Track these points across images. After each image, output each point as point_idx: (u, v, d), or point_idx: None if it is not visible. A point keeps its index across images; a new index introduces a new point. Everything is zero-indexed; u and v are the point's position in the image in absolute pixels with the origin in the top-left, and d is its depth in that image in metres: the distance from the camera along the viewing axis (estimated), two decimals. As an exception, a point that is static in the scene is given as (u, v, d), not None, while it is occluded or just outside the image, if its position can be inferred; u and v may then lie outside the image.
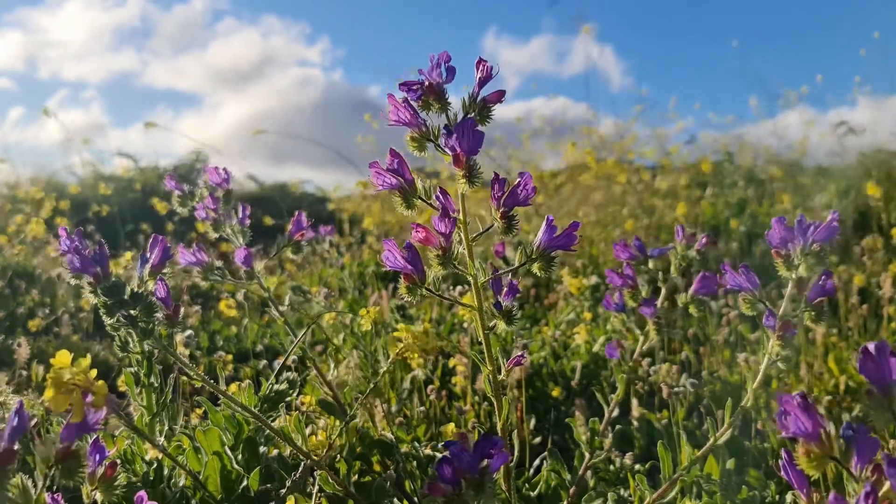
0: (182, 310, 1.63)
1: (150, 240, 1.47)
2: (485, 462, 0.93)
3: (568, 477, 1.76)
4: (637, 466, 1.93)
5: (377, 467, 1.96)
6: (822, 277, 1.35)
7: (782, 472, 0.98)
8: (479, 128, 1.18)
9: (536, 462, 2.01)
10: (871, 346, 0.87)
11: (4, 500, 0.91)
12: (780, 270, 1.36)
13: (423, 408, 2.46)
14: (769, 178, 7.43)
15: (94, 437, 1.13)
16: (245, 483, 1.68)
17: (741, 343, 3.08)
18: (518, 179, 1.22)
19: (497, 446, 0.93)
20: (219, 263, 1.88)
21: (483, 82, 1.19)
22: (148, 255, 1.45)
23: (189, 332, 2.50)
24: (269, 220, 6.82)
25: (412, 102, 1.19)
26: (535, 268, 1.27)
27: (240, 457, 1.71)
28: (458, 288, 3.15)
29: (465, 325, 3.10)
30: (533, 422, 2.38)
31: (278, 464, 1.76)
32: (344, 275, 4.11)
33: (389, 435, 2.01)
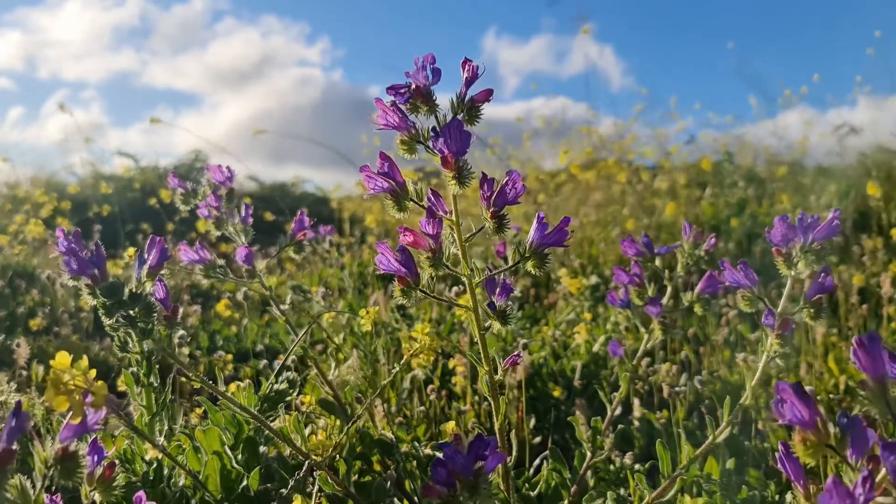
0: (181, 310, 1.63)
1: (148, 240, 1.47)
2: (479, 463, 0.93)
3: (568, 476, 1.76)
4: (637, 466, 1.93)
5: (377, 467, 1.96)
6: (821, 274, 1.35)
7: (779, 465, 0.99)
8: (469, 128, 1.18)
9: (536, 462, 2.01)
10: (864, 338, 0.87)
11: (3, 500, 0.91)
12: (780, 268, 1.36)
13: (422, 408, 2.46)
14: (769, 178, 7.43)
15: (93, 437, 1.13)
16: (245, 483, 1.68)
17: (741, 343, 3.08)
18: (506, 178, 1.22)
19: (491, 447, 0.93)
20: (220, 262, 1.88)
21: (470, 82, 1.19)
22: (146, 255, 1.45)
23: (181, 332, 2.50)
24: (269, 220, 6.82)
25: (400, 105, 1.19)
26: (529, 266, 1.27)
27: (240, 456, 1.71)
28: (455, 288, 3.15)
29: (465, 325, 3.10)
30: (533, 421, 2.38)
31: (278, 464, 1.76)
32: (344, 275, 4.11)
33: (389, 435, 2.01)
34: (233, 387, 2.07)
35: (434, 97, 1.18)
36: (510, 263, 1.28)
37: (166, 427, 1.57)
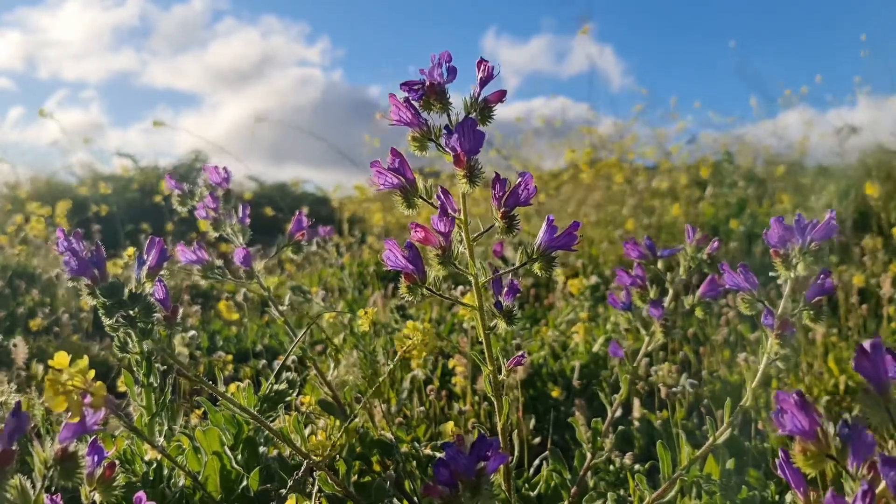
0: (181, 310, 1.63)
1: (148, 241, 1.47)
2: (481, 464, 0.93)
3: (569, 477, 1.76)
4: (637, 466, 1.92)
5: (377, 467, 1.96)
6: (821, 276, 1.35)
7: (780, 471, 0.98)
8: (480, 128, 1.18)
9: (536, 462, 2.01)
10: (867, 344, 0.87)
11: (3, 500, 0.91)
12: (779, 269, 1.36)
13: (422, 408, 2.46)
14: (769, 178, 7.43)
15: (93, 437, 1.13)
16: (245, 483, 1.68)
17: (741, 343, 3.08)
18: (519, 179, 1.22)
19: (493, 447, 0.93)
20: (219, 262, 1.88)
21: (484, 82, 1.19)
22: (145, 256, 1.45)
23: (192, 332, 2.50)
24: (269, 220, 6.82)
25: (413, 102, 1.19)
26: (536, 268, 1.27)
27: (239, 457, 1.71)
28: (459, 288, 3.15)
29: (465, 325, 3.10)
30: (533, 422, 2.38)
31: (278, 464, 1.76)
32: (344, 275, 4.11)
33: (389, 435, 2.00)
34: (232, 387, 2.07)
35: (448, 95, 1.19)
36: (518, 264, 1.28)
37: (166, 427, 1.57)
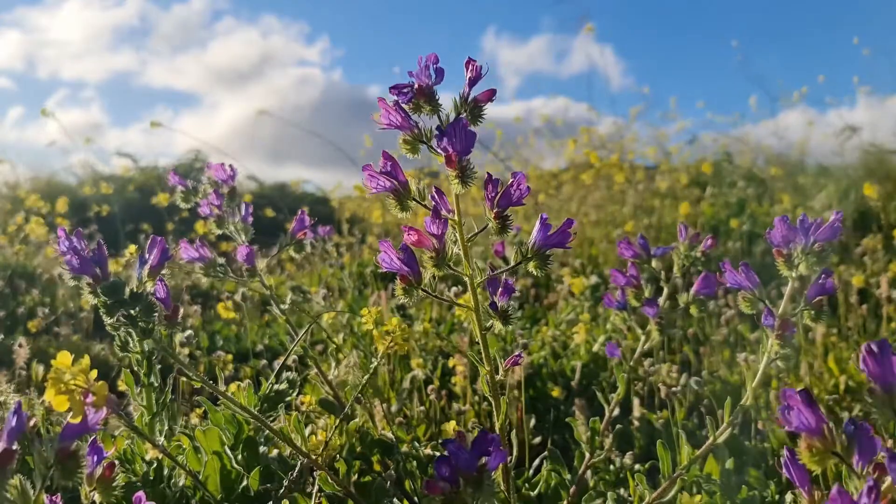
0: (182, 310, 1.63)
1: (149, 240, 1.47)
2: (482, 460, 0.93)
3: (568, 476, 1.76)
4: (637, 466, 1.93)
5: (377, 467, 1.96)
6: (822, 276, 1.35)
7: (784, 470, 0.98)
8: (471, 127, 1.18)
9: (536, 462, 2.01)
10: (874, 345, 0.87)
11: (3, 500, 0.91)
12: (781, 269, 1.36)
13: (422, 408, 2.46)
14: (769, 178, 7.43)
15: (93, 437, 1.13)
16: (245, 483, 1.68)
17: (741, 343, 3.08)
18: (511, 179, 1.22)
19: (494, 444, 0.93)
20: (221, 260, 1.88)
21: (473, 82, 1.19)
22: (147, 255, 1.45)
23: (188, 332, 2.50)
24: (269, 220, 6.82)
25: (403, 105, 1.19)
26: (531, 266, 1.27)
27: (239, 457, 1.71)
28: (454, 288, 3.15)
29: (465, 324, 3.10)
30: (533, 422, 2.38)
31: (278, 464, 1.76)
32: (344, 275, 4.11)
33: (389, 435, 2.01)
34: (233, 387, 2.07)
35: (437, 97, 1.19)
36: (512, 264, 1.28)
37: (166, 427, 1.57)
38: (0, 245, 5.48)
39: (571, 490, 1.74)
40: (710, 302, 3.42)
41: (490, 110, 1.22)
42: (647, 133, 10.66)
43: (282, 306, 2.00)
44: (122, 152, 9.59)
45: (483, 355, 1.35)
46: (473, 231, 1.28)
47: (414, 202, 1.24)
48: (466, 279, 1.30)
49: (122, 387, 2.30)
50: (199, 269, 1.86)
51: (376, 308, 1.96)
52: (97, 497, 1.14)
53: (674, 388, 2.36)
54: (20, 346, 2.51)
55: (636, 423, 2.38)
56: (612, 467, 1.95)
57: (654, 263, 1.87)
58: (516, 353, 1.37)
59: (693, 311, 1.80)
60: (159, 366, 1.57)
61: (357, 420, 1.99)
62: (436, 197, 1.25)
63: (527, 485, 1.86)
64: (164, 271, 1.49)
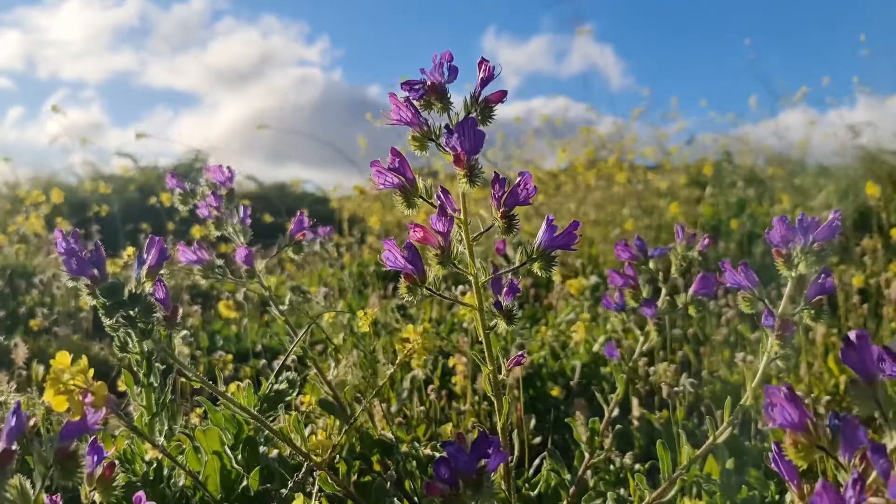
0: (181, 310, 1.62)
1: (147, 240, 1.47)
2: (482, 461, 0.93)
3: (568, 477, 1.76)
4: (637, 466, 1.93)
5: (377, 467, 1.96)
6: (822, 275, 1.35)
7: (773, 465, 0.99)
8: (481, 128, 1.18)
9: (536, 462, 2.01)
10: (853, 335, 0.87)
11: (3, 500, 0.91)
12: (781, 269, 1.36)
13: (422, 408, 2.46)
14: (769, 178, 7.43)
15: (93, 437, 1.13)
16: (245, 483, 1.68)
17: (741, 343, 3.08)
18: (518, 179, 1.22)
19: (494, 445, 0.93)
20: (219, 262, 1.88)
21: (485, 82, 1.19)
22: (145, 256, 1.45)
23: (185, 332, 2.50)
24: (268, 220, 6.81)
25: (414, 102, 1.19)
26: (536, 267, 1.27)
27: (239, 457, 1.71)
28: (459, 287, 3.14)
29: (465, 324, 3.10)
30: (533, 422, 2.38)
31: (278, 464, 1.76)
32: (344, 275, 4.11)
33: (389, 435, 2.01)
34: (233, 387, 2.07)
35: (449, 95, 1.19)
36: (517, 264, 1.28)
37: (166, 427, 1.57)
38: (0, 245, 5.48)
39: (571, 490, 1.74)
40: (710, 302, 3.42)
41: (497, 111, 1.22)
42: (646, 133, 10.67)
43: (281, 307, 2.00)
44: (122, 152, 9.60)
45: (486, 355, 1.35)
46: (478, 230, 1.28)
47: (420, 200, 1.24)
48: (471, 278, 1.30)
49: (121, 387, 2.30)
50: (197, 271, 1.86)
51: (372, 310, 1.96)
52: (97, 497, 1.14)
53: (674, 388, 2.36)
54: (15, 345, 2.51)
55: (636, 422, 2.38)
56: (611, 467, 1.94)
57: (651, 264, 1.87)
58: (519, 353, 1.37)
59: (692, 311, 1.81)
60: (159, 366, 1.57)
61: (357, 420, 1.99)
62: (441, 195, 1.25)
63: (527, 485, 1.86)
64: (163, 271, 1.49)
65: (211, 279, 1.86)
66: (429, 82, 1.18)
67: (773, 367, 1.46)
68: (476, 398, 2.53)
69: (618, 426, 2.21)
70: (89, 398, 0.97)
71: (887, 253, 4.52)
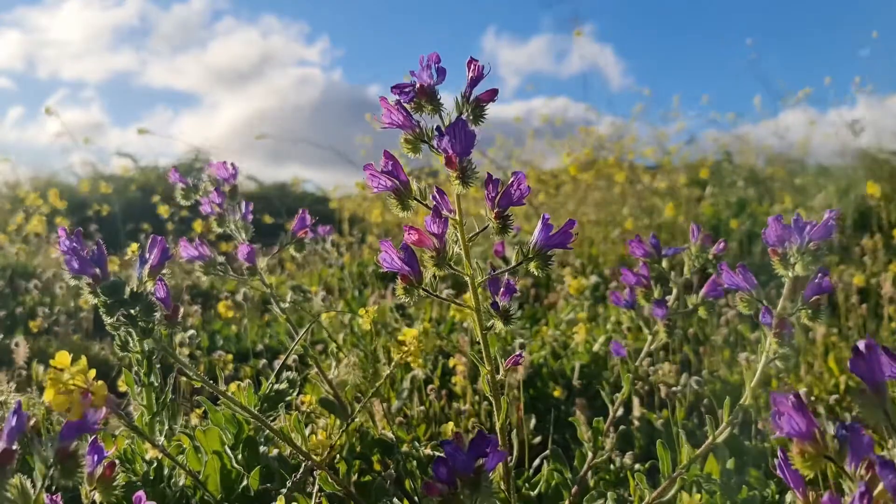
0: (182, 310, 1.62)
1: (150, 240, 1.47)
2: (480, 461, 0.93)
3: (569, 476, 1.76)
4: (637, 466, 1.93)
5: (377, 467, 1.96)
6: (819, 275, 1.35)
7: (779, 472, 0.98)
8: (473, 127, 1.18)
9: (536, 462, 2.01)
10: (861, 344, 0.86)
11: (4, 500, 0.91)
12: (777, 269, 1.36)
13: (422, 407, 2.46)
14: (769, 178, 7.43)
15: (93, 437, 1.13)
16: (245, 482, 1.68)
17: (741, 343, 3.08)
18: (511, 179, 1.22)
19: (492, 445, 0.93)
20: (221, 259, 1.88)
21: (475, 82, 1.19)
22: (147, 255, 1.45)
23: (191, 332, 2.50)
24: (268, 220, 6.82)
25: (405, 104, 1.19)
26: (532, 266, 1.27)
27: (240, 456, 1.71)
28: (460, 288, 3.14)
29: (465, 324, 3.10)
30: (533, 422, 2.38)
31: (278, 463, 1.76)
32: (344, 274, 4.11)
33: (389, 434, 2.01)
34: (233, 386, 2.07)
35: (438, 96, 1.19)
36: (514, 264, 1.28)
37: (166, 427, 1.57)
38: (0, 245, 5.48)
39: (573, 490, 1.74)
40: (714, 304, 3.42)
41: (490, 110, 1.22)
42: (646, 133, 10.66)
43: (282, 305, 2.00)
44: (123, 152, 9.61)
45: (484, 355, 1.35)
46: (474, 231, 1.28)
47: (415, 201, 1.24)
48: (467, 279, 1.30)
49: (122, 386, 2.30)
50: (198, 267, 1.86)
51: (373, 308, 1.96)
52: (97, 497, 1.14)
53: (674, 388, 2.36)
54: (16, 345, 2.51)
55: (636, 422, 2.38)
56: (612, 467, 1.95)
57: (664, 263, 1.87)
58: (517, 353, 1.37)
59: (702, 312, 1.80)
60: (159, 365, 1.57)
61: (357, 420, 1.99)
62: (437, 196, 1.25)
63: (527, 485, 1.86)
64: (164, 271, 1.49)
65: (212, 275, 1.86)
66: (418, 85, 1.18)
67: (773, 367, 1.46)
68: (476, 398, 2.53)
69: (620, 426, 2.22)
70: (89, 398, 0.97)
71: (887, 253, 4.52)
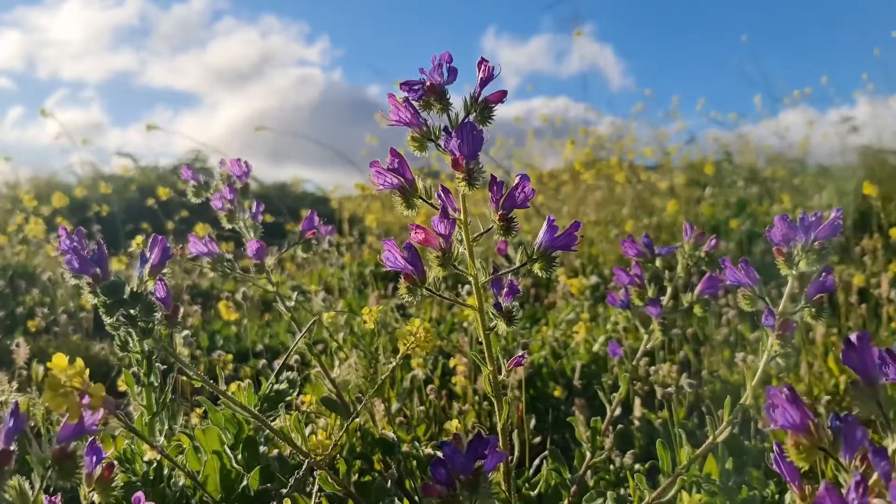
0: (182, 310, 1.62)
1: (150, 239, 1.47)
2: (479, 462, 0.93)
3: (569, 476, 1.76)
4: (637, 466, 1.92)
5: (378, 466, 1.96)
6: (822, 274, 1.34)
7: (774, 466, 0.99)
8: (481, 128, 1.18)
9: (536, 462, 2.01)
10: (854, 337, 0.87)
11: (2, 501, 0.91)
12: (781, 268, 1.36)
13: (423, 407, 2.45)
14: (769, 178, 7.43)
15: (92, 438, 1.13)
16: (245, 483, 1.68)
17: (741, 342, 3.07)
18: (516, 181, 1.22)
19: (491, 446, 0.93)
20: (228, 255, 1.89)
21: (485, 82, 1.19)
22: (148, 254, 1.45)
23: (186, 332, 2.50)
24: (269, 220, 6.80)
25: (413, 102, 1.19)
26: (537, 268, 1.26)
27: (239, 456, 1.70)
28: (460, 288, 3.14)
29: (466, 324, 3.10)
30: (533, 421, 2.38)
31: (278, 463, 1.76)
32: (344, 274, 4.11)
33: (390, 434, 2.00)
34: (233, 386, 2.07)
35: (448, 95, 1.18)
36: (518, 264, 1.28)
37: (166, 427, 1.57)
38: (0, 245, 5.48)
39: (572, 490, 1.74)
40: (711, 301, 3.42)
41: (497, 111, 1.21)
42: (646, 133, 10.67)
43: (288, 303, 2.00)
44: (123, 152, 9.61)
45: (486, 355, 1.35)
46: (478, 231, 1.27)
47: (420, 200, 1.24)
48: (471, 279, 1.30)
49: (122, 386, 2.30)
50: (206, 263, 1.86)
51: (376, 307, 1.95)
52: (96, 497, 1.14)
53: (673, 389, 2.35)
54: (17, 345, 2.51)
55: (636, 422, 2.37)
56: (612, 467, 1.94)
57: (657, 262, 1.87)
58: (519, 354, 1.37)
59: (697, 310, 1.80)
60: (160, 365, 1.57)
61: (358, 419, 1.99)
62: (443, 196, 1.25)
63: (527, 484, 1.85)
64: (164, 271, 1.49)
65: (219, 272, 1.86)
66: (428, 83, 1.17)
67: (773, 367, 1.46)
68: (476, 398, 2.52)
69: (619, 426, 2.21)
70: (87, 399, 0.97)
71: (887, 253, 4.52)
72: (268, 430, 1.57)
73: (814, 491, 0.93)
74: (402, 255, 1.24)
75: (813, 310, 1.37)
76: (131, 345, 1.46)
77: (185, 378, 2.04)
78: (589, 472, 1.83)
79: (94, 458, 1.13)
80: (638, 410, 2.42)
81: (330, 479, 1.60)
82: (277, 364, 2.02)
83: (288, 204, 7.70)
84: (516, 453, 2.07)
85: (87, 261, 1.35)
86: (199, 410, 2.14)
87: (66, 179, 9.76)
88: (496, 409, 1.38)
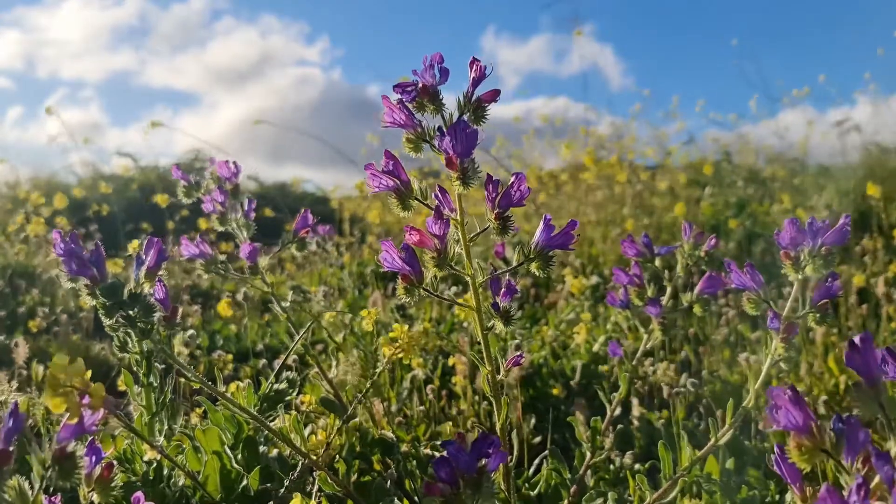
0: (181, 310, 1.62)
1: (146, 241, 1.47)
2: (482, 461, 0.93)
3: (568, 476, 1.76)
4: (637, 466, 1.92)
5: (377, 466, 1.96)
6: (829, 279, 1.34)
7: (775, 467, 0.99)
8: (475, 127, 1.18)
9: (536, 461, 2.01)
10: (857, 339, 0.87)
11: (2, 501, 0.91)
12: (788, 272, 1.36)
13: (422, 407, 2.45)
14: (769, 178, 7.42)
15: (91, 438, 1.13)
16: (245, 483, 1.68)
17: (741, 343, 3.07)
18: (512, 180, 1.21)
19: (494, 445, 0.93)
20: (222, 257, 1.88)
21: (477, 82, 1.19)
22: (143, 256, 1.44)
23: (191, 332, 2.50)
24: (269, 220, 6.81)
25: (407, 104, 1.19)
26: (534, 267, 1.26)
27: (239, 456, 1.70)
28: (454, 288, 3.14)
29: (465, 324, 3.10)
30: (533, 421, 2.37)
31: (278, 463, 1.76)
32: (344, 274, 4.11)
33: (390, 434, 2.00)
34: (233, 387, 2.07)
35: (441, 96, 1.19)
36: (515, 264, 1.28)
37: (166, 427, 1.56)
38: (0, 245, 5.48)
39: (572, 490, 1.74)
40: (710, 301, 3.42)
41: (491, 110, 1.21)
42: (646, 133, 10.67)
43: (283, 304, 2.00)
44: (122, 152, 9.60)
45: (484, 355, 1.35)
46: (475, 231, 1.27)
47: (416, 201, 1.24)
48: (468, 279, 1.29)
49: (122, 387, 2.29)
50: (199, 265, 1.86)
51: (375, 309, 1.95)
52: (96, 497, 1.14)
53: (674, 389, 2.35)
54: (16, 345, 2.51)
55: (636, 422, 2.37)
56: (611, 467, 1.94)
57: (657, 262, 1.86)
58: (517, 354, 1.36)
59: (697, 310, 1.80)
60: (159, 366, 1.56)
61: (357, 419, 1.99)
62: (439, 196, 1.25)
63: (527, 484, 1.85)
64: (162, 271, 1.48)
65: (213, 274, 1.86)
66: (420, 84, 1.17)
67: (775, 368, 1.46)
68: (476, 398, 2.52)
69: (619, 426, 2.21)
70: (87, 399, 0.97)
71: (887, 253, 4.52)
72: (267, 431, 1.56)
73: (815, 493, 0.93)
74: (400, 256, 1.24)
75: (818, 315, 1.37)
76: (130, 345, 1.46)
77: (184, 378, 2.04)
78: (589, 472, 1.83)
79: (94, 458, 1.13)
80: (637, 410, 2.42)
81: (329, 480, 1.60)
82: (278, 364, 2.02)
83: (288, 204, 7.69)
84: (516, 453, 2.07)
85: (85, 262, 1.34)
86: (198, 410, 2.14)
87: (66, 179, 9.76)
88: (495, 409, 1.38)
